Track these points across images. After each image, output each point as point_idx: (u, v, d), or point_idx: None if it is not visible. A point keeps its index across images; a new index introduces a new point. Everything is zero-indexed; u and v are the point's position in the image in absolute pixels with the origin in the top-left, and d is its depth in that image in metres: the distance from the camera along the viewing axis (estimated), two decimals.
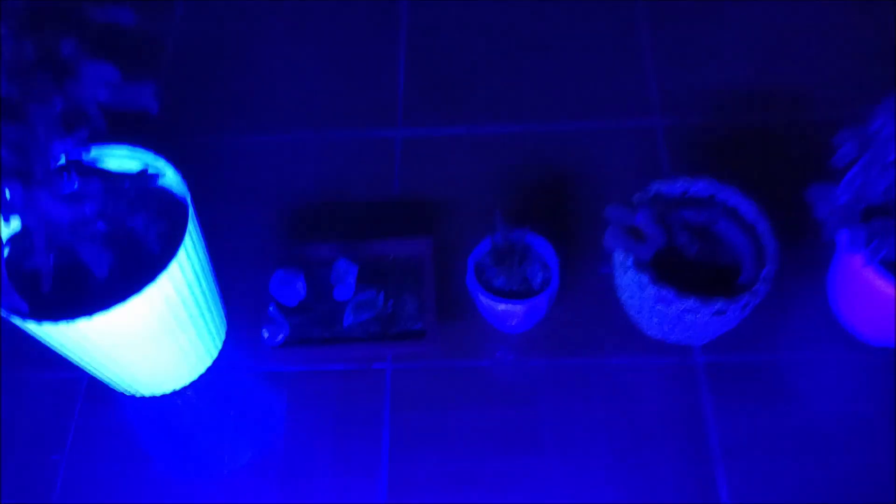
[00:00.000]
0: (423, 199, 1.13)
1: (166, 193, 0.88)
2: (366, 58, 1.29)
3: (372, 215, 1.11)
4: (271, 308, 0.96)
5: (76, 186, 0.76)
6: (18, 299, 0.71)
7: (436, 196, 1.13)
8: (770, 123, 1.17)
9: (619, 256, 0.95)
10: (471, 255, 0.99)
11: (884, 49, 1.20)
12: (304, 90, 1.26)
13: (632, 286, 0.94)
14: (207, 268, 0.92)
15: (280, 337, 0.95)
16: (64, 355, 0.87)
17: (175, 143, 0.94)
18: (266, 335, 0.94)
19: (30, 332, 0.82)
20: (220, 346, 1.00)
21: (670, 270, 0.92)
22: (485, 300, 0.97)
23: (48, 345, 0.85)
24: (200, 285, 0.90)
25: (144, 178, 0.85)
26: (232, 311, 1.03)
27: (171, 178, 0.88)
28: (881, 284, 0.86)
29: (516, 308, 0.96)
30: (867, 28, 1.24)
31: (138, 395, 0.98)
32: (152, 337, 0.87)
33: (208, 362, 1.00)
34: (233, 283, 1.02)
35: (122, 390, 0.97)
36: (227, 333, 1.02)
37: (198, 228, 0.87)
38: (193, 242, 0.85)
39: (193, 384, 0.99)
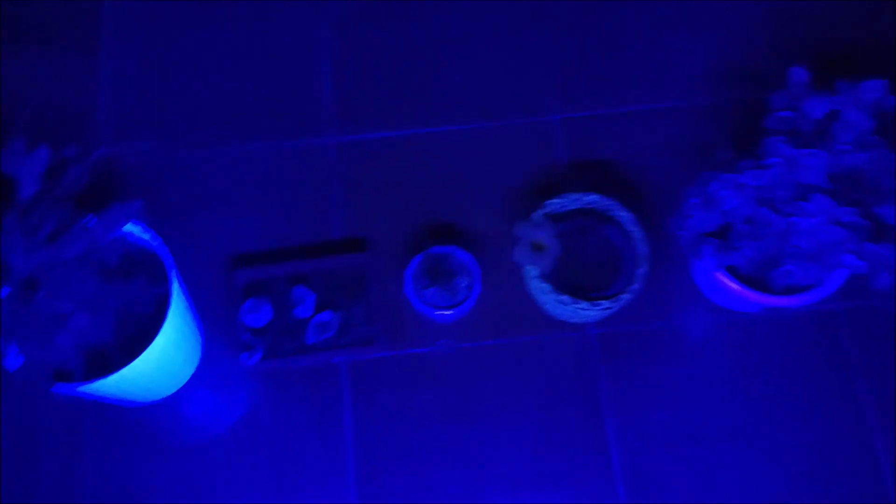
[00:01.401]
0: (361, 206, 1.31)
1: (140, 248, 1.04)
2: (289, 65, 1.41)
3: (313, 225, 1.29)
4: (245, 336, 1.16)
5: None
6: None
7: (372, 201, 1.31)
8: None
9: (525, 267, 1.18)
10: (406, 269, 1.20)
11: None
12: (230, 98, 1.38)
13: (537, 290, 1.17)
14: (187, 304, 1.10)
15: (256, 357, 1.17)
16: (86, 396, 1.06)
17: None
18: (246, 358, 1.15)
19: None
20: (198, 358, 1.20)
21: (567, 271, 1.17)
22: (421, 305, 1.19)
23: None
24: (184, 321, 1.09)
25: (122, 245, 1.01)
26: (207, 323, 1.22)
27: (145, 239, 1.03)
28: (722, 278, 1.12)
29: (447, 313, 1.19)
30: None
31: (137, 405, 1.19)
32: (154, 370, 1.07)
33: (191, 373, 1.21)
34: (206, 300, 1.21)
35: (124, 404, 1.18)
36: (205, 344, 1.22)
37: (179, 279, 1.04)
38: (177, 294, 1.03)
39: (178, 392, 1.20)
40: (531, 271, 1.16)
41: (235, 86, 1.38)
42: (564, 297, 1.14)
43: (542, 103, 1.38)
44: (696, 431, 1.19)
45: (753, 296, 1.10)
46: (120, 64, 1.39)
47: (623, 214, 1.19)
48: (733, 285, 1.11)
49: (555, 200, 1.20)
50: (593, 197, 1.20)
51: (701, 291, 1.26)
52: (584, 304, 1.14)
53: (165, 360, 1.07)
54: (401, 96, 1.38)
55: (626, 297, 1.15)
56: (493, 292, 1.24)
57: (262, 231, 1.29)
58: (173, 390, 1.20)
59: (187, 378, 1.20)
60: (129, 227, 0.99)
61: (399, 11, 1.44)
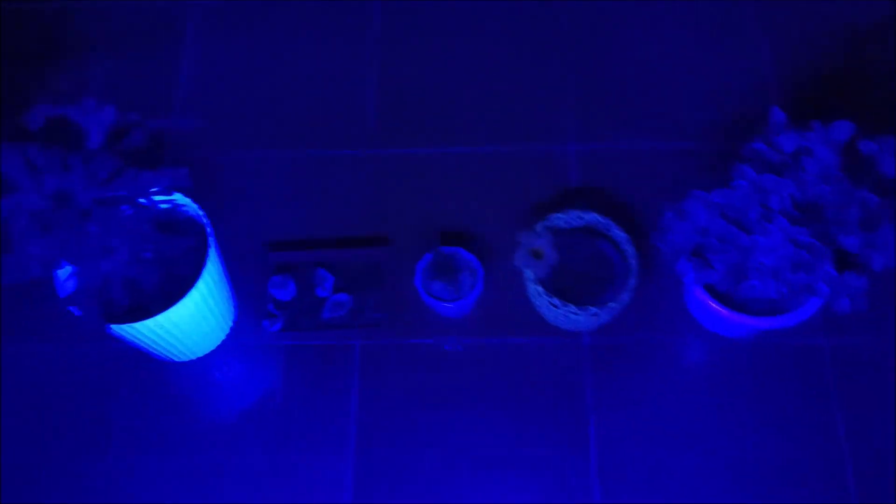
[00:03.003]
0: (385, 209, 1.46)
1: (189, 218, 1.21)
2: (336, 78, 1.59)
3: (341, 223, 1.45)
4: (270, 306, 1.31)
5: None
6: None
7: (395, 206, 1.46)
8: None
9: (525, 271, 1.30)
10: (418, 263, 1.34)
11: None
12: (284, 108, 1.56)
13: (533, 293, 1.29)
14: (221, 270, 1.26)
15: (277, 326, 1.31)
16: (130, 341, 1.22)
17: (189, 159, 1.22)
18: (268, 325, 1.30)
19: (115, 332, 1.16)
20: (230, 325, 1.35)
21: (563, 279, 1.28)
22: (430, 297, 1.32)
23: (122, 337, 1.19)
24: (218, 284, 1.25)
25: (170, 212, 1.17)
26: (240, 297, 1.38)
27: (190, 206, 1.20)
28: (702, 295, 1.22)
29: (451, 306, 1.31)
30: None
31: (175, 360, 1.35)
32: (188, 323, 1.22)
33: (222, 337, 1.36)
34: (240, 277, 1.37)
35: (163, 358, 1.33)
36: (237, 315, 1.37)
37: (215, 244, 1.19)
38: (213, 257, 1.18)
39: (211, 354, 1.35)
40: (529, 275, 1.28)
41: (290, 95, 1.56)
42: (555, 300, 1.25)
43: (558, 132, 1.51)
44: (669, 438, 1.27)
45: (728, 314, 1.19)
46: (198, 60, 1.59)
47: (618, 233, 1.30)
48: (712, 304, 1.20)
49: (557, 215, 1.32)
50: (593, 216, 1.32)
51: (692, 315, 1.35)
52: (573, 308, 1.25)
53: (199, 316, 1.22)
54: (432, 117, 1.54)
55: (614, 305, 1.25)
56: (495, 293, 1.36)
57: (295, 223, 1.44)
58: (204, 351, 1.35)
59: (217, 343, 1.35)
60: (177, 196, 1.15)
61: (434, 42, 1.60)
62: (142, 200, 0.96)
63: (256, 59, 1.60)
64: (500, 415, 1.30)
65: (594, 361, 1.34)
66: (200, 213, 1.18)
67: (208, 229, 1.16)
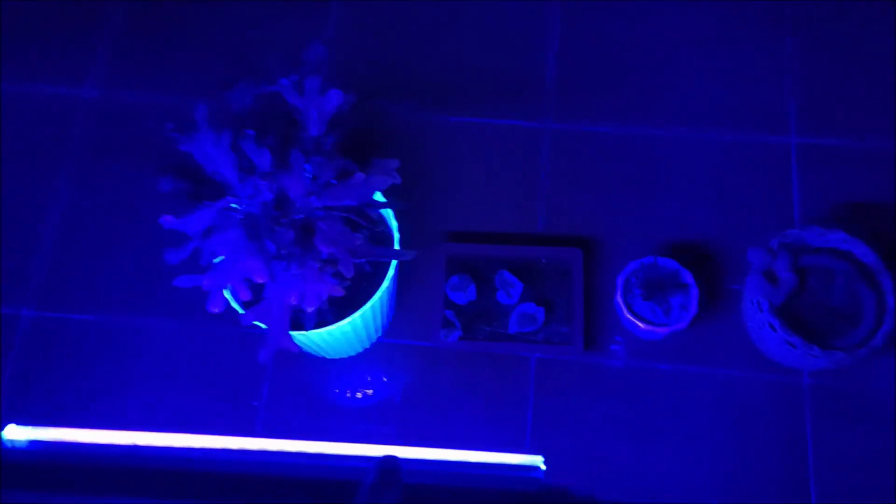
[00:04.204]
0: (572, 197, 1.25)
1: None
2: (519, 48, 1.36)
3: (521, 206, 1.24)
4: (449, 313, 1.13)
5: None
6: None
7: (584, 194, 1.25)
8: None
9: (753, 295, 1.09)
10: (619, 275, 1.14)
11: None
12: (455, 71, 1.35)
13: (764, 326, 1.08)
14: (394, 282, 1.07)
15: (454, 336, 1.12)
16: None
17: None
18: (444, 336, 1.12)
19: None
20: (379, 335, 1.17)
21: (793, 308, 1.07)
22: (630, 317, 1.12)
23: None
24: (386, 298, 1.06)
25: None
26: (405, 301, 1.19)
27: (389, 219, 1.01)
28: None
29: (659, 330, 1.11)
30: None
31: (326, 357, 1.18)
32: (352, 329, 1.04)
33: (374, 339, 1.18)
34: (408, 271, 1.18)
35: (316, 354, 1.16)
36: (400, 317, 1.19)
37: (398, 262, 1.00)
38: (393, 269, 1.00)
39: (364, 353, 1.18)
40: (761, 304, 1.07)
41: (466, 60, 1.34)
42: (796, 339, 1.04)
43: (779, 121, 1.27)
44: None
45: None
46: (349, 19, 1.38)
47: (870, 260, 1.08)
48: None
49: (794, 231, 1.11)
50: (839, 235, 1.10)
51: None
52: (816, 351, 1.04)
53: (362, 326, 1.04)
54: (620, 93, 1.31)
55: (862, 352, 1.04)
56: (705, 317, 1.16)
57: (470, 208, 1.25)
58: (356, 353, 1.17)
59: (370, 345, 1.18)
60: (387, 212, 0.95)
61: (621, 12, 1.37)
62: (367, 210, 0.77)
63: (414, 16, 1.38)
64: (694, 457, 1.11)
65: (815, 406, 1.14)
66: (389, 215, 0.98)
67: (395, 249, 0.96)
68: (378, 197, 0.81)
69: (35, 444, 0.57)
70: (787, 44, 1.33)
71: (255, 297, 0.78)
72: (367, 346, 1.17)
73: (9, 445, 0.57)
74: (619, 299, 1.12)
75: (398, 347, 1.18)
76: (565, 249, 1.19)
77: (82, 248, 1.25)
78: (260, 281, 0.73)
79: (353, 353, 1.17)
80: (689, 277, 1.12)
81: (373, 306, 0.99)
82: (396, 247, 0.97)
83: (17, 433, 0.59)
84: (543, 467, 0.47)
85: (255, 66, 0.81)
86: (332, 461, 1.04)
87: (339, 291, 0.80)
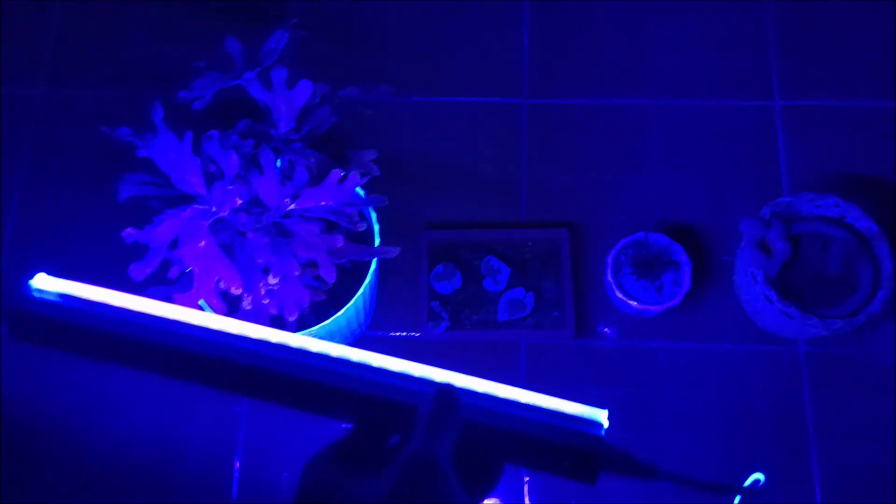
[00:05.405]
0: (555, 175, 1.21)
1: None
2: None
3: (502, 188, 1.19)
4: (434, 304, 1.08)
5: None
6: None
7: (566, 172, 1.21)
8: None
9: (746, 267, 1.06)
10: (609, 254, 1.10)
11: None
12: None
13: (759, 298, 1.05)
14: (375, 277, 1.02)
15: (442, 328, 1.08)
16: None
17: None
18: (431, 327, 1.07)
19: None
20: (368, 320, 1.12)
21: (790, 279, 1.04)
22: (621, 295, 1.09)
23: None
24: (368, 294, 1.01)
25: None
26: (388, 292, 1.14)
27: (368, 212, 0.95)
28: None
29: (652, 309, 1.08)
30: None
31: None
32: (336, 328, 1.00)
33: (358, 335, 1.13)
34: (390, 266, 1.13)
35: None
36: (380, 310, 1.14)
37: (378, 260, 0.95)
38: (374, 267, 0.95)
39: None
40: (755, 275, 1.04)
41: (436, 38, 1.28)
42: (793, 311, 1.01)
43: (762, 85, 1.24)
44: None
45: None
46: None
47: (865, 224, 1.05)
48: None
49: (785, 198, 1.07)
50: (832, 200, 1.07)
51: None
52: (814, 321, 1.01)
53: (345, 324, 1.00)
54: (596, 63, 1.26)
55: (860, 319, 1.02)
56: (698, 292, 1.13)
57: (450, 193, 1.20)
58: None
59: (353, 340, 1.13)
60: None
61: None
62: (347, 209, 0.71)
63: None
64: (700, 438, 1.09)
65: (812, 374, 1.11)
66: (370, 209, 0.93)
67: (376, 247, 0.91)
68: (358, 193, 0.76)
69: (66, 299, 0.53)
70: (767, 2, 1.29)
71: (232, 307, 0.74)
72: (351, 342, 1.13)
73: (38, 296, 0.53)
74: (610, 279, 1.09)
75: (384, 340, 1.14)
76: (551, 230, 1.15)
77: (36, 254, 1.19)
78: (236, 292, 0.68)
79: None
80: (680, 252, 1.09)
81: (356, 304, 0.94)
82: (377, 242, 0.92)
83: (48, 284, 0.55)
84: (606, 424, 0.44)
85: (209, 57, 0.75)
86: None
87: (320, 297, 0.75)
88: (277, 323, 0.78)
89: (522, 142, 1.23)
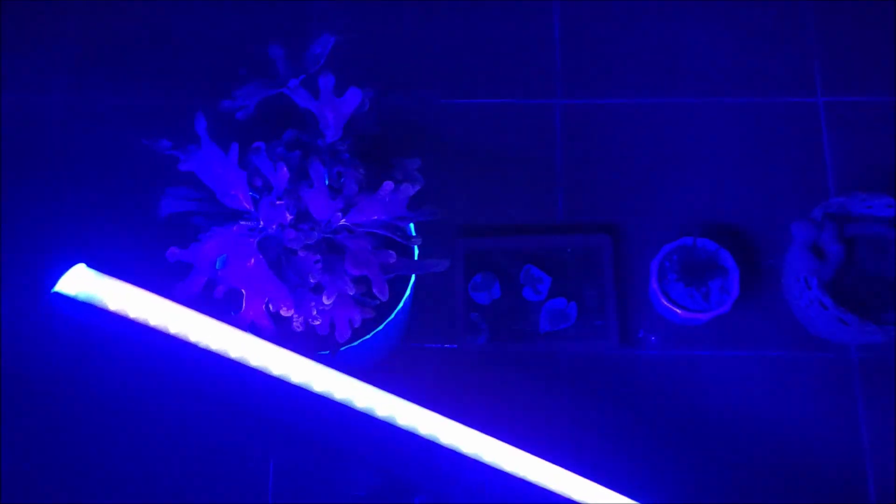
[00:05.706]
0: (592, 177, 1.17)
1: None
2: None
3: (537, 191, 1.15)
4: (473, 315, 1.04)
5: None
6: None
7: (603, 174, 1.17)
8: None
9: (798, 271, 1.01)
10: (653, 260, 1.06)
11: None
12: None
13: (813, 304, 1.01)
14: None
15: (482, 339, 1.04)
16: None
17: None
18: (470, 341, 1.03)
19: None
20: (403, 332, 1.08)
21: (841, 282, 1.00)
22: (666, 303, 1.05)
23: None
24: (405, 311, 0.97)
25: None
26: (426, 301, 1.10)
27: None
28: None
29: (699, 316, 1.04)
30: None
31: None
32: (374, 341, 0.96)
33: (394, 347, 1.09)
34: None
35: None
36: (421, 319, 1.10)
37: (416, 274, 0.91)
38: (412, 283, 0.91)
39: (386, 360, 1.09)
40: (809, 280, 1.00)
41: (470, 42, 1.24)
42: (850, 317, 0.97)
43: (804, 81, 1.19)
44: None
45: None
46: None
47: None
48: None
49: (838, 199, 1.03)
50: (886, 200, 1.03)
51: None
52: (871, 328, 0.97)
53: (383, 337, 0.96)
54: (632, 61, 1.22)
55: None
56: (746, 297, 1.09)
57: (484, 199, 1.16)
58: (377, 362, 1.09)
59: (388, 354, 1.09)
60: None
61: None
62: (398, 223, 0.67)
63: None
64: (748, 453, 1.05)
65: (866, 381, 1.07)
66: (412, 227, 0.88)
67: (427, 261, 0.86)
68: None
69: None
70: None
71: (280, 327, 0.70)
72: (386, 356, 1.09)
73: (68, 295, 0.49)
74: (655, 286, 1.05)
75: (419, 351, 1.10)
76: (593, 237, 1.10)
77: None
78: (286, 313, 0.65)
79: (375, 361, 1.09)
80: (728, 257, 1.05)
81: (395, 317, 0.90)
82: (416, 253, 0.88)
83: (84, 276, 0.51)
84: None
85: (249, 63, 0.71)
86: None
87: (369, 314, 0.71)
88: (327, 343, 0.74)
89: (557, 143, 1.19)
